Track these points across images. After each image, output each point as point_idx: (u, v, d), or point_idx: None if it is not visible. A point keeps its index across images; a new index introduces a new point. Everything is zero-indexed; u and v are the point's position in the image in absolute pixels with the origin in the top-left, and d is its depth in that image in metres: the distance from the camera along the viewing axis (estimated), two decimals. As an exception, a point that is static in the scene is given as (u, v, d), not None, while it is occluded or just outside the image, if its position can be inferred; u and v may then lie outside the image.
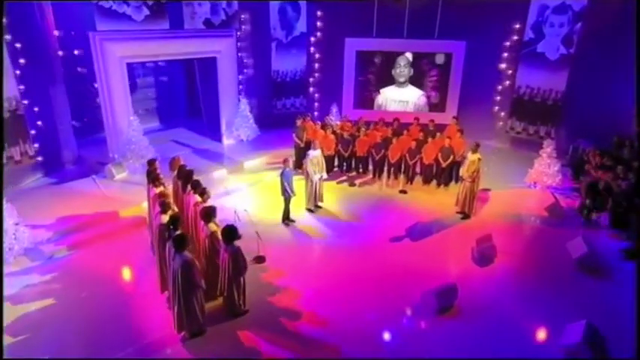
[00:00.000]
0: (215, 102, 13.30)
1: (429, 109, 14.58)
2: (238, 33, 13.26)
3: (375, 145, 11.54)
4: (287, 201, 9.12)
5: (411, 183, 11.46)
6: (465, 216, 9.77)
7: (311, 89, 15.46)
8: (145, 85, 14.85)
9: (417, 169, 11.49)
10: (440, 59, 14.16)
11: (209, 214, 6.49)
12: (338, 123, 12.20)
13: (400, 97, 14.70)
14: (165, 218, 6.26)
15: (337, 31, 14.27)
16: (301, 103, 15.40)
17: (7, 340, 6.02)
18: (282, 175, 8.82)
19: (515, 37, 13.49)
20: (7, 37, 9.35)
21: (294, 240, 8.83)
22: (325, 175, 9.84)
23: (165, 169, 8.66)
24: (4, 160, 9.59)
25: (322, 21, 14.58)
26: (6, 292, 6.88)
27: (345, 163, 12.07)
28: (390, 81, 14.58)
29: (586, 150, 11.66)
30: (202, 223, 6.56)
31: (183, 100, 15.67)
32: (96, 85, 10.62)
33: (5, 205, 7.51)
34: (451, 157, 10.84)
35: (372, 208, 10.18)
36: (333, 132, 11.81)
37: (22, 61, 9.77)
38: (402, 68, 14.35)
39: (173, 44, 11.57)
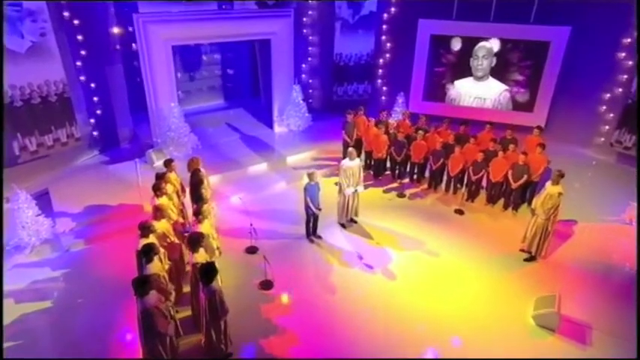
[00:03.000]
0: (270, 86, 12.43)
1: (512, 107, 12.11)
2: (304, 19, 12.02)
3: (433, 152, 9.82)
4: (309, 218, 8.04)
5: (472, 200, 9.61)
6: (531, 257, 7.84)
7: (379, 80, 13.81)
8: (211, 62, 14.49)
9: (483, 183, 9.60)
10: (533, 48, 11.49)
11: (195, 241, 5.70)
12: (392, 121, 10.51)
13: (477, 93, 12.34)
14: (141, 243, 5.56)
15: (411, 11, 12.31)
16: (365, 90, 13.87)
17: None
18: (304, 190, 7.72)
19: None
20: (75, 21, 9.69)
21: (313, 263, 7.75)
22: (361, 189, 8.49)
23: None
24: (51, 142, 9.85)
25: (395, -2, 12.71)
26: (13, 287, 6.93)
27: (397, 169, 10.51)
28: (468, 72, 12.30)
29: None
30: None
31: (247, 79, 15.05)
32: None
33: (25, 197, 7.51)
34: (525, 176, 8.77)
35: (417, 231, 8.58)
36: (386, 132, 10.24)
37: (83, 52, 10.06)
38: (481, 60, 11.90)
39: (222, 25, 10.76)
